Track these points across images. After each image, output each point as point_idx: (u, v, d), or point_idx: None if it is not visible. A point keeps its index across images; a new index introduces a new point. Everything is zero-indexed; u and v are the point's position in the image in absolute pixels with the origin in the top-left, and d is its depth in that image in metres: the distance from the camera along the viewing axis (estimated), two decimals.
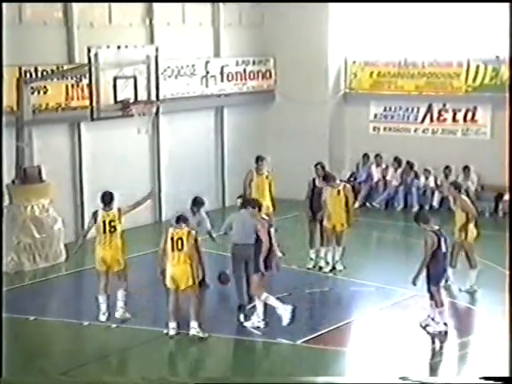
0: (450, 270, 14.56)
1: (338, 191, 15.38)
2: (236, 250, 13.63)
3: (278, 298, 14.05)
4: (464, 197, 14.93)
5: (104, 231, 13.22)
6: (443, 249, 12.91)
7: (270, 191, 16.18)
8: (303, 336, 12.78)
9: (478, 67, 20.11)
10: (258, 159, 16.38)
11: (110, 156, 18.22)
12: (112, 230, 13.21)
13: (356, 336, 13.41)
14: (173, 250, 12.64)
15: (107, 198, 13.41)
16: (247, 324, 13.02)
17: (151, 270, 14.62)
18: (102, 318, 13.27)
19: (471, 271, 14.68)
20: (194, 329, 12.69)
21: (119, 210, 13.36)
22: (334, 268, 15.55)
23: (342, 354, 12.77)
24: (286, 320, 12.81)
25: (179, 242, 12.63)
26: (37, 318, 13.60)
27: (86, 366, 12.13)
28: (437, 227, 13.04)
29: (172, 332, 12.76)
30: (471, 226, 14.52)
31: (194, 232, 12.73)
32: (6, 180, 16.32)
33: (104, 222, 13.23)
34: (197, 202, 14.31)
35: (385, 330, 13.33)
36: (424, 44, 20.54)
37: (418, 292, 14.55)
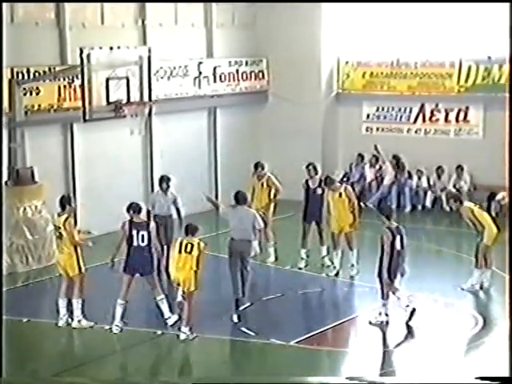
0: (476, 272, 14.58)
1: (340, 194, 15.28)
2: (232, 245, 13.79)
3: (269, 299, 14.09)
4: (467, 205, 14.85)
5: (55, 235, 13.23)
6: (397, 246, 13.10)
7: (269, 196, 16.14)
8: (296, 336, 12.78)
9: (470, 67, 20.15)
10: (256, 166, 16.36)
11: (103, 157, 18.19)
12: (58, 235, 13.08)
13: (349, 336, 13.41)
14: (180, 252, 12.56)
15: (63, 201, 13.27)
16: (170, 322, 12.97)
17: None
18: (60, 322, 13.14)
19: (475, 270, 14.66)
20: (184, 334, 12.68)
21: (67, 218, 13.08)
22: (338, 273, 15.45)
23: (336, 355, 12.77)
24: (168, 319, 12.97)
25: (188, 245, 12.57)
26: (30, 319, 13.58)
27: (79, 367, 12.11)
28: (395, 224, 13.22)
29: (183, 336, 12.71)
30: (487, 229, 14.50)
31: (202, 244, 12.68)
32: None
33: (54, 226, 13.25)
34: (164, 180, 15.10)
35: (378, 330, 13.33)
36: (416, 44, 20.57)
37: (411, 292, 14.59)
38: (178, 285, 12.64)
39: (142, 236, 12.81)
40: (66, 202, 13.25)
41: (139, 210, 13.08)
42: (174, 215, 15.30)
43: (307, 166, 15.92)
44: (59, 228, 13.04)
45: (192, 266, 12.53)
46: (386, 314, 13.30)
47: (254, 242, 13.83)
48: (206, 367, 12.36)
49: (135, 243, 12.82)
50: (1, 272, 14.62)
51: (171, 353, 12.86)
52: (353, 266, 15.35)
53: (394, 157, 20.59)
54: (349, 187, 15.69)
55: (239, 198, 14.00)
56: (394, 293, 13.25)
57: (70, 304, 13.17)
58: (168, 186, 15.12)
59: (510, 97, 17.41)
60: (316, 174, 15.89)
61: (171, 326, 12.89)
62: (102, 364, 12.44)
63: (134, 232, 12.81)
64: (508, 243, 13.97)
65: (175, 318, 12.91)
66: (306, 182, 15.87)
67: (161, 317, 13.04)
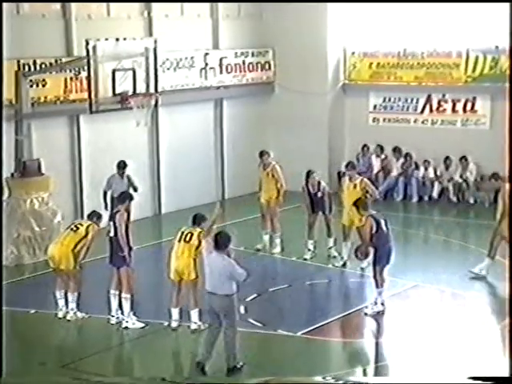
0: (486, 261, 14.52)
1: (355, 185, 15.15)
2: (206, 298, 11.69)
3: (276, 290, 14.08)
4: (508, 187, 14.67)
5: (66, 229, 13.36)
6: (384, 230, 13.21)
7: (276, 187, 16.09)
8: (303, 327, 12.78)
9: (477, 57, 20.06)
10: (261, 154, 16.37)
11: (110, 148, 18.18)
12: (74, 228, 13.21)
13: (356, 327, 13.39)
14: (179, 240, 12.64)
15: (92, 215, 13.53)
16: (128, 325, 12.78)
17: (151, 263, 14.66)
18: (60, 314, 13.29)
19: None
20: (195, 323, 12.70)
21: (91, 225, 13.21)
22: (345, 264, 15.39)
23: (342, 346, 12.78)
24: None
25: (188, 235, 12.64)
26: (37, 311, 13.62)
27: (87, 358, 12.15)
28: (374, 212, 13.39)
29: (174, 324, 12.77)
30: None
31: (202, 233, 12.65)
32: (5, 173, 16.33)
33: (73, 223, 13.44)
34: (122, 166, 16.34)
35: (385, 320, 13.33)
36: (423, 34, 20.48)
37: (417, 282, 14.59)
38: (179, 274, 12.63)
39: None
40: (94, 216, 13.47)
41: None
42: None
43: (307, 173, 15.70)
44: (79, 224, 13.24)
45: (190, 254, 12.56)
46: (382, 304, 13.31)
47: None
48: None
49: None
50: (1, 267, 14.57)
51: (177, 344, 12.86)
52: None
53: (394, 149, 20.55)
54: (366, 180, 15.45)
55: (219, 241, 11.46)
56: (377, 285, 13.26)
57: (66, 295, 13.31)
58: (124, 172, 16.48)
59: (510, 87, 17.38)
60: (315, 181, 15.69)
61: (124, 328, 12.86)
62: (107, 355, 12.46)
63: None
64: (508, 232, 13.97)
65: (131, 322, 12.87)
66: (307, 185, 15.70)
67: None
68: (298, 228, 16.33)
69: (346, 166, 15.70)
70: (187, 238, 12.61)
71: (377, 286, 13.29)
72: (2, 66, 15.49)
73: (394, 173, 20.68)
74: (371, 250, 13.32)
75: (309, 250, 15.83)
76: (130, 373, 12.03)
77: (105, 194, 16.33)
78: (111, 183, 16.42)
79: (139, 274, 13.95)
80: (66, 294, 13.28)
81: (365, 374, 11.70)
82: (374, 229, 13.17)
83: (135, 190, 16.38)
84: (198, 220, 12.79)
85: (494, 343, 12.36)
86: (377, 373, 11.74)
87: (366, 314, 13.29)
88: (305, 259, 15.72)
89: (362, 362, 12.27)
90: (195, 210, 14.34)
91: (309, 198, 15.75)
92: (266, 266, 16.01)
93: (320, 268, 15.53)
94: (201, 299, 12.62)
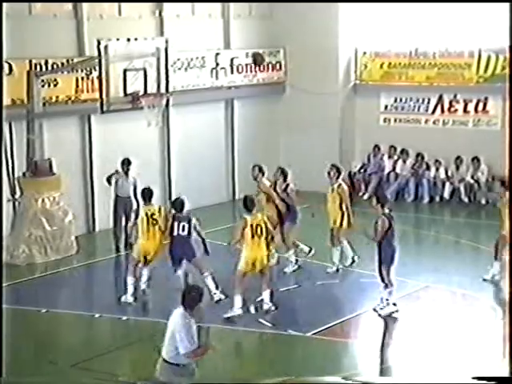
0: (496, 264, 14.47)
1: (333, 189, 15.00)
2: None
3: (286, 290, 14.06)
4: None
5: (147, 223, 13.68)
6: (393, 230, 13.20)
7: (274, 200, 15.73)
8: (313, 328, 12.78)
9: (489, 57, 20.01)
10: (252, 168, 15.35)
11: (120, 148, 18.20)
12: (154, 222, 13.68)
13: (366, 328, 13.38)
14: (253, 236, 13.01)
15: (147, 194, 13.99)
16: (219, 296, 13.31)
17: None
18: (130, 298, 13.66)
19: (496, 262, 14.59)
20: (267, 304, 13.29)
21: (160, 207, 13.90)
22: (338, 270, 15.17)
23: (352, 346, 12.76)
24: None
25: (258, 228, 13.04)
26: (48, 310, 13.66)
27: (97, 358, 12.17)
28: (387, 210, 13.30)
29: (240, 312, 13.11)
30: None
31: (266, 217, 13.21)
32: (17, 173, 16.40)
33: (146, 215, 13.73)
34: (126, 163, 16.23)
35: (395, 321, 13.31)
36: (435, 34, 20.44)
37: (428, 283, 14.56)
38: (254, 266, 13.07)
39: (183, 226, 13.52)
40: (148, 194, 13.97)
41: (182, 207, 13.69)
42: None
43: (276, 172, 15.25)
44: (153, 215, 13.70)
45: (265, 245, 13.05)
46: (394, 304, 13.27)
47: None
48: (223, 358, 12.36)
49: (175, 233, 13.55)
50: (1, 265, 14.61)
51: None
52: (334, 263, 15.06)
53: (402, 151, 20.51)
54: (343, 185, 15.08)
55: (188, 298, 9.33)
56: (386, 285, 13.22)
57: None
58: (128, 169, 16.33)
59: (510, 88, 17.32)
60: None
61: (216, 302, 13.33)
62: (117, 355, 12.48)
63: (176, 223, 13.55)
64: (508, 231, 13.91)
65: (221, 295, 13.39)
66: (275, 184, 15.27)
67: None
68: (309, 229, 16.29)
69: (331, 167, 15.21)
70: (259, 232, 13.00)
71: (386, 287, 13.27)
72: (2, 66, 15.56)
73: (405, 173, 20.64)
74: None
75: (291, 261, 15.28)
76: (139, 372, 12.04)
77: (116, 196, 16.47)
78: (117, 181, 16.44)
79: (158, 272, 14.02)
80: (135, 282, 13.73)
81: (374, 374, 11.69)
82: (386, 227, 13.12)
83: (135, 194, 16.33)
84: (248, 204, 13.15)
85: (504, 344, 12.31)
86: (386, 373, 11.73)
87: (379, 315, 13.25)
88: (284, 273, 15.12)
89: (371, 362, 12.25)
90: (206, 210, 14.41)
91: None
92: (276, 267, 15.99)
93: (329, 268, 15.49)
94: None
